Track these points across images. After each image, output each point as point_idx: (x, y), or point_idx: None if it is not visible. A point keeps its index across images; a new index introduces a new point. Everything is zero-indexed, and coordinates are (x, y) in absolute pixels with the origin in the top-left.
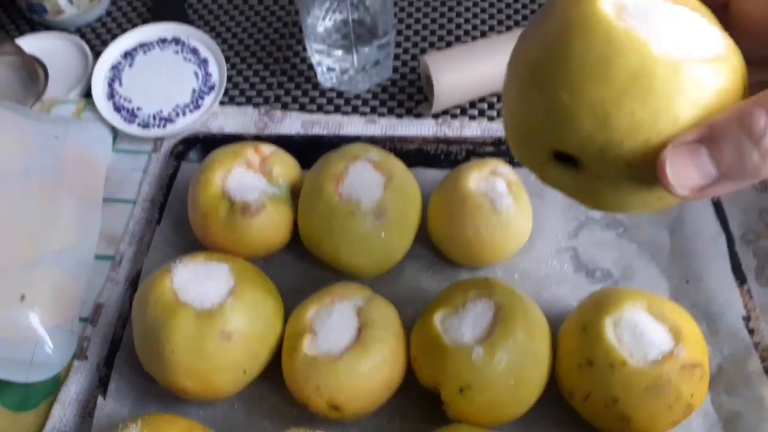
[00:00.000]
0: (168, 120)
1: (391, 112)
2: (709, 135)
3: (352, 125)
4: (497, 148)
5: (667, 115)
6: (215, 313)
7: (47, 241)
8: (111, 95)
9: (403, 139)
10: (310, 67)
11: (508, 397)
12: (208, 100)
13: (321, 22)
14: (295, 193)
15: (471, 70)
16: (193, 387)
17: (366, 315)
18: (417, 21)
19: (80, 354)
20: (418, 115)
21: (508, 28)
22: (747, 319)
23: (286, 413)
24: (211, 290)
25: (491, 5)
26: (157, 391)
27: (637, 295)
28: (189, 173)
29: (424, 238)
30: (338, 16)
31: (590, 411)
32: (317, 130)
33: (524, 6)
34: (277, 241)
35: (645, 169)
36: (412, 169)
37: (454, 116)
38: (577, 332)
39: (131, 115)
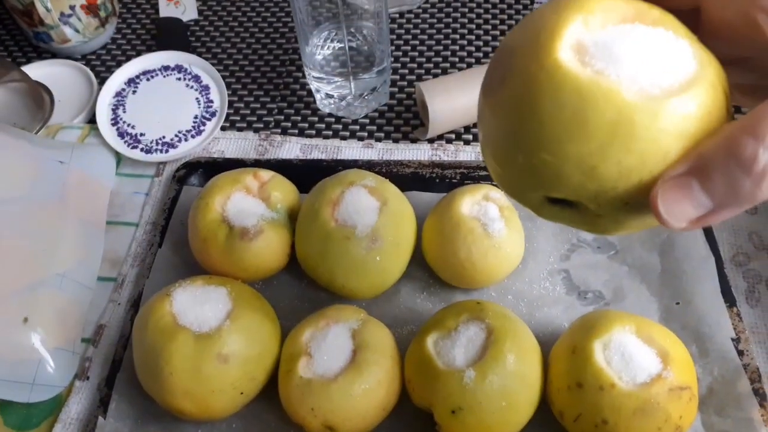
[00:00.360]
0: (170, 145)
1: (387, 136)
2: (699, 166)
3: (350, 149)
4: None
5: (656, 155)
6: (213, 337)
7: (50, 263)
8: (115, 121)
9: (399, 163)
10: (309, 92)
11: (499, 418)
12: (210, 125)
13: (320, 50)
14: (293, 217)
15: (465, 96)
16: (190, 408)
17: (360, 337)
18: (413, 48)
19: (82, 374)
20: (414, 140)
21: None
22: (737, 340)
23: None
24: (209, 313)
25: (485, 33)
26: (157, 411)
27: (626, 319)
28: (190, 197)
29: (419, 260)
30: (336, 45)
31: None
32: (316, 154)
33: None
34: (275, 265)
35: (643, 204)
36: (407, 193)
37: (449, 141)
38: (567, 354)
39: (134, 141)
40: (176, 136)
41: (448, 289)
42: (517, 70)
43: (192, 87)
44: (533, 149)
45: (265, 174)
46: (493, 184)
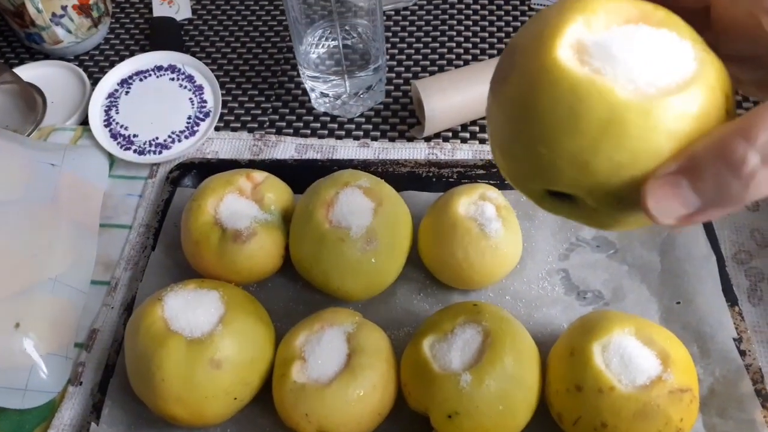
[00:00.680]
0: (164, 146)
1: (383, 135)
2: (689, 166)
3: (346, 149)
4: (488, 171)
5: (647, 153)
6: (205, 342)
7: (43, 268)
8: (108, 123)
9: (396, 163)
10: (304, 92)
11: (496, 422)
12: (204, 126)
13: (314, 49)
14: (287, 219)
15: (461, 93)
16: (183, 414)
17: (356, 341)
18: (409, 45)
19: (75, 380)
20: (411, 139)
21: (499, 52)
22: (738, 340)
23: None
24: (201, 318)
25: (482, 29)
26: (150, 417)
27: (626, 320)
28: (184, 198)
29: (415, 261)
30: (331, 43)
31: None
32: (311, 154)
33: (515, 30)
34: (269, 267)
35: (635, 200)
36: (403, 193)
37: (445, 139)
38: (565, 357)
39: (128, 142)
40: (170, 137)
41: (445, 290)
42: (519, 67)
43: (185, 87)
44: (531, 143)
45: (259, 175)
46: (491, 183)
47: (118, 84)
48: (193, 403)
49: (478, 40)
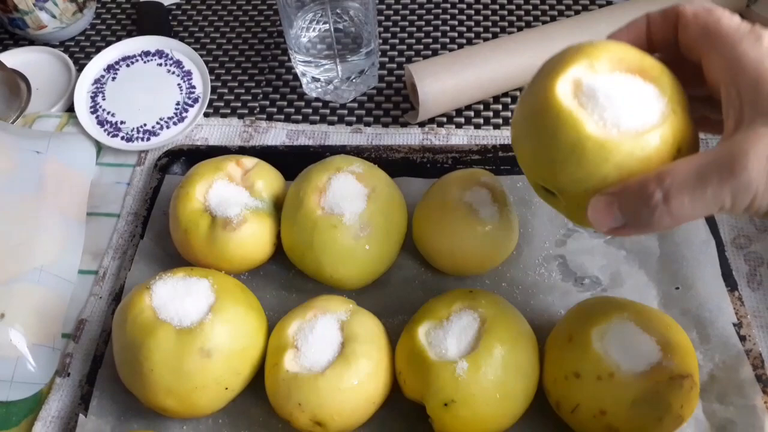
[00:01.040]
0: (152, 133)
1: (377, 121)
2: (621, 193)
3: (338, 135)
4: (483, 156)
5: (597, 176)
6: (194, 331)
7: (28, 257)
8: (94, 109)
9: (389, 148)
10: (295, 77)
11: (493, 410)
12: (192, 112)
13: (305, 33)
14: (278, 206)
15: (456, 78)
16: (173, 405)
17: (349, 329)
18: (402, 29)
19: (62, 371)
20: (405, 124)
21: (494, 36)
22: (738, 325)
23: (272, 427)
24: (191, 307)
25: (477, 12)
26: (140, 408)
27: (625, 306)
28: (173, 186)
29: (410, 248)
30: (322, 27)
31: (578, 422)
32: (303, 141)
33: (510, 13)
34: (261, 255)
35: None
36: (397, 179)
37: (440, 124)
38: (563, 343)
39: (115, 129)
40: (158, 123)
41: (441, 278)
42: (533, 89)
43: (173, 73)
44: (527, 146)
45: (249, 161)
46: (486, 169)
47: (104, 70)
48: (182, 394)
49: (472, 23)
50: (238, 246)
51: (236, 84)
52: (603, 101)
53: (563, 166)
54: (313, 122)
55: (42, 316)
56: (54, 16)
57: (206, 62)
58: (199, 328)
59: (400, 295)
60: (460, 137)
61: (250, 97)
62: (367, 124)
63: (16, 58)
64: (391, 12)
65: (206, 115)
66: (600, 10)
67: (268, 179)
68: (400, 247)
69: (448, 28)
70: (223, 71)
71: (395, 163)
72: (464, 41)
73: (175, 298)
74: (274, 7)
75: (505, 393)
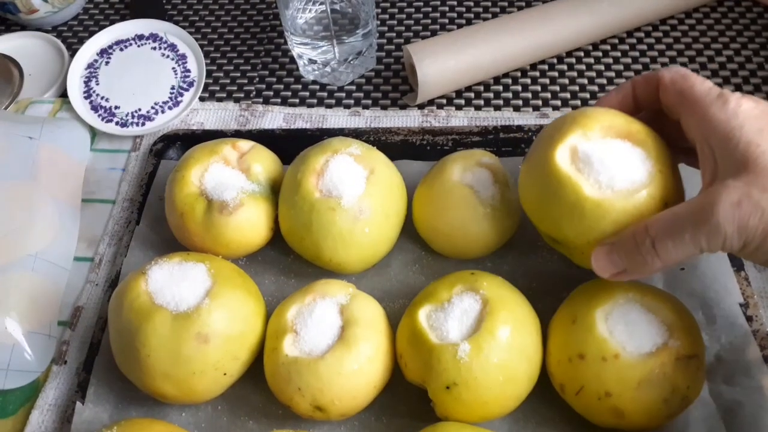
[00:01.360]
0: (147, 118)
1: (375, 103)
2: (618, 242)
3: (336, 118)
4: (484, 138)
5: (596, 230)
6: (191, 316)
7: (22, 244)
8: (88, 94)
9: (388, 131)
10: (292, 59)
11: (496, 393)
12: (188, 96)
13: (301, 14)
14: (275, 190)
15: (456, 58)
16: (171, 391)
17: (349, 313)
18: (401, 10)
19: (59, 359)
20: (404, 106)
21: (494, 15)
22: (745, 306)
23: (272, 413)
24: (187, 292)
25: None
26: (138, 395)
27: (629, 286)
28: (169, 171)
29: (410, 231)
30: (318, 7)
31: (583, 405)
32: (300, 124)
33: None
34: (258, 240)
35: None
36: (397, 162)
37: (440, 106)
38: (567, 325)
39: (109, 114)
40: (152, 108)
41: (442, 261)
42: (536, 153)
43: (168, 56)
44: (535, 206)
45: (245, 144)
46: (488, 150)
47: (97, 54)
48: (180, 380)
49: (472, 3)
50: (234, 230)
51: (232, 67)
52: (597, 166)
53: (566, 222)
54: (310, 105)
55: (37, 304)
56: (45, 0)
57: (201, 45)
58: (196, 313)
59: (400, 279)
60: (460, 119)
61: (246, 81)
62: (366, 107)
63: (7, 44)
64: None
65: (202, 99)
66: None
67: (264, 162)
68: (401, 230)
69: (447, 9)
70: (219, 54)
71: (394, 146)
72: (464, 21)
73: (172, 282)
74: None
75: (507, 376)
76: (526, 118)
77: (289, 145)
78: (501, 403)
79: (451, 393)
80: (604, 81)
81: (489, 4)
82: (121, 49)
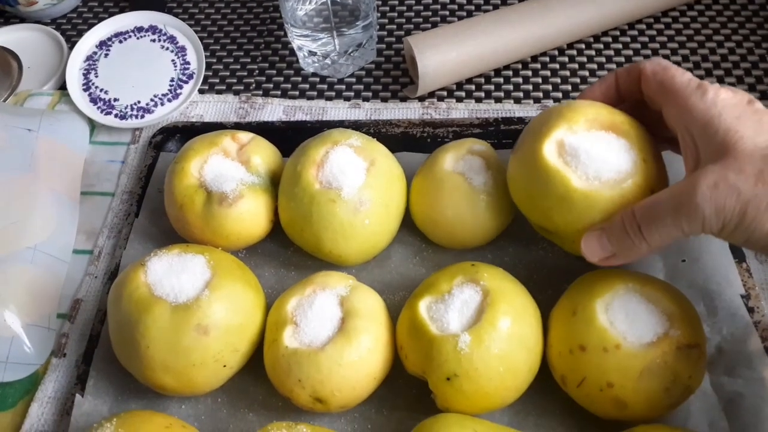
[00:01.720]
0: (146, 110)
1: (375, 96)
2: (608, 228)
3: (336, 110)
4: (485, 129)
5: (585, 219)
6: (191, 307)
7: (21, 237)
8: (87, 87)
9: (388, 123)
10: (292, 52)
11: (497, 385)
12: (187, 88)
13: (301, 5)
14: (275, 182)
15: (457, 50)
16: (171, 383)
17: (349, 304)
18: (401, 2)
19: (58, 351)
20: (404, 99)
21: (495, 7)
22: (746, 297)
23: (272, 405)
24: (187, 283)
25: None
26: (138, 387)
27: (629, 277)
28: (168, 163)
29: (411, 224)
30: None
31: (585, 396)
32: (300, 116)
33: None
34: (258, 232)
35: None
36: (397, 154)
37: (440, 98)
38: (568, 316)
39: (108, 106)
40: (152, 100)
41: (442, 253)
42: (524, 147)
43: (167, 48)
44: (526, 198)
45: (244, 135)
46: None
47: (96, 46)
48: (180, 371)
49: None
50: (234, 222)
51: (231, 59)
52: (584, 158)
53: (556, 214)
54: (310, 98)
55: (36, 296)
56: None
57: (201, 37)
58: (196, 304)
59: (401, 270)
60: (460, 111)
61: (245, 73)
62: (366, 99)
63: (6, 36)
64: None
65: (201, 91)
66: None
67: (264, 154)
68: (401, 222)
69: (448, 0)
70: (218, 47)
71: (395, 138)
72: (464, 13)
73: (171, 274)
74: None
75: (508, 366)
76: (527, 110)
77: (289, 138)
78: (502, 395)
79: (452, 384)
80: (605, 73)
81: None
82: (121, 42)
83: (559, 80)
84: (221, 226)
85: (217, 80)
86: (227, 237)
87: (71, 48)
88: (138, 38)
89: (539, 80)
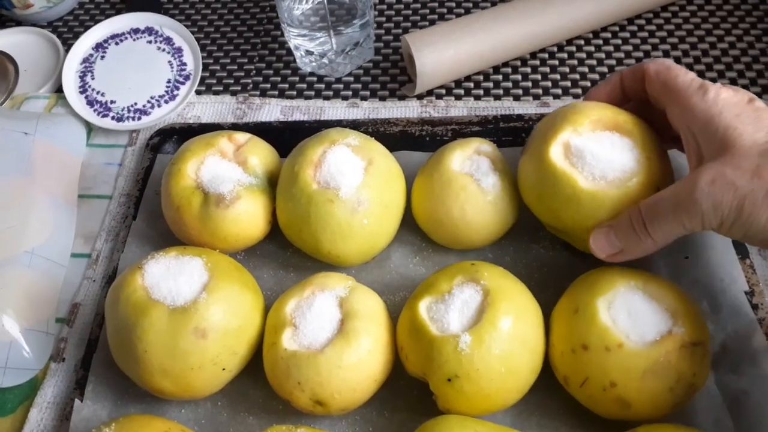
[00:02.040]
0: (143, 112)
1: (373, 94)
2: (616, 225)
3: (334, 110)
4: (484, 127)
5: (593, 218)
6: (189, 310)
7: (17, 241)
8: (83, 89)
9: (387, 122)
10: (289, 51)
11: (499, 385)
12: (184, 89)
13: (297, 5)
14: (272, 182)
15: (455, 48)
16: (169, 387)
17: (349, 305)
18: (398, 0)
19: (57, 356)
20: (402, 97)
21: (493, 4)
22: (750, 294)
23: (272, 409)
24: (184, 286)
25: None
26: (137, 391)
27: (631, 274)
28: (165, 165)
29: (410, 223)
30: None
31: (588, 396)
32: (298, 116)
33: None
34: (256, 233)
35: (587, 238)
36: (396, 153)
37: (439, 96)
38: (569, 315)
39: (105, 109)
40: (149, 102)
41: (443, 252)
42: (532, 149)
43: (163, 50)
44: (535, 199)
45: (241, 136)
46: (488, 135)
47: (92, 48)
48: (178, 375)
49: None
50: (231, 223)
51: (228, 60)
52: (590, 159)
53: (565, 214)
54: (308, 97)
55: (34, 301)
56: None
57: (197, 38)
58: (193, 307)
59: (400, 271)
60: (459, 109)
61: (242, 74)
62: (364, 98)
63: (3, 40)
64: None
65: (198, 92)
66: None
67: (261, 155)
68: (400, 222)
69: None
70: (215, 47)
71: (393, 137)
72: (462, 11)
73: (168, 277)
74: None
75: (510, 367)
76: (527, 108)
77: (287, 138)
78: (503, 396)
79: (453, 385)
80: (605, 69)
81: None
82: (117, 44)
83: (558, 77)
84: (219, 228)
85: (214, 81)
86: (225, 239)
87: (68, 50)
88: (134, 40)
89: (538, 77)
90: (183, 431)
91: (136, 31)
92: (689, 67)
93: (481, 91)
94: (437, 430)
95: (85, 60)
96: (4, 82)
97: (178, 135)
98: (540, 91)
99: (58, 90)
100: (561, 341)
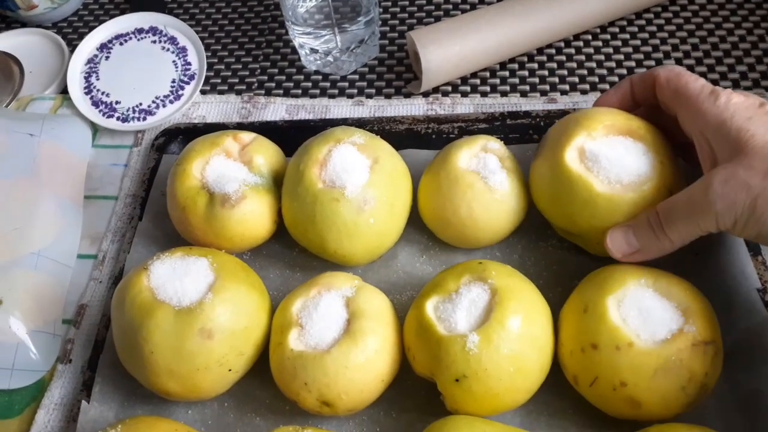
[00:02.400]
0: (148, 112)
1: (379, 92)
2: (635, 224)
3: (339, 108)
4: (491, 125)
5: (609, 221)
6: (194, 311)
7: (25, 242)
8: (88, 90)
9: (392, 120)
10: (294, 50)
11: (507, 385)
12: (189, 89)
13: (302, 3)
14: (278, 182)
15: (461, 44)
16: (176, 388)
17: (355, 305)
18: None
19: (64, 357)
20: (408, 95)
21: (498, 0)
22: (763, 291)
23: (279, 409)
24: (190, 287)
25: None
26: (144, 393)
27: (641, 272)
28: (170, 166)
29: (416, 222)
30: None
31: (598, 396)
32: (303, 115)
33: None
34: (261, 233)
35: (603, 241)
36: (402, 151)
37: (445, 94)
38: (578, 314)
39: (110, 110)
40: (153, 102)
41: (450, 251)
42: (546, 154)
43: (168, 49)
44: (549, 203)
45: (246, 136)
46: (494, 132)
47: (97, 49)
48: (185, 376)
49: None
50: (237, 223)
51: (233, 59)
52: (605, 163)
53: (580, 217)
54: (313, 96)
55: (41, 302)
56: None
57: (201, 38)
58: (199, 308)
59: (407, 270)
60: (465, 106)
61: (247, 73)
62: (369, 96)
63: (8, 41)
64: None
65: (203, 92)
66: None
67: (266, 154)
68: (407, 221)
69: None
70: (219, 47)
71: (399, 135)
72: (468, 7)
73: (174, 277)
74: None
75: (518, 367)
76: (534, 104)
77: (292, 137)
78: (512, 395)
79: (461, 386)
80: (613, 64)
81: None
82: (121, 44)
83: (566, 72)
84: (224, 228)
85: (219, 80)
86: (230, 239)
87: (72, 51)
88: (138, 40)
89: (545, 73)
90: None
91: (140, 31)
92: (699, 61)
93: (488, 88)
94: (445, 431)
95: (89, 61)
96: (9, 83)
97: (184, 135)
98: (547, 86)
99: (64, 91)
100: (570, 340)
